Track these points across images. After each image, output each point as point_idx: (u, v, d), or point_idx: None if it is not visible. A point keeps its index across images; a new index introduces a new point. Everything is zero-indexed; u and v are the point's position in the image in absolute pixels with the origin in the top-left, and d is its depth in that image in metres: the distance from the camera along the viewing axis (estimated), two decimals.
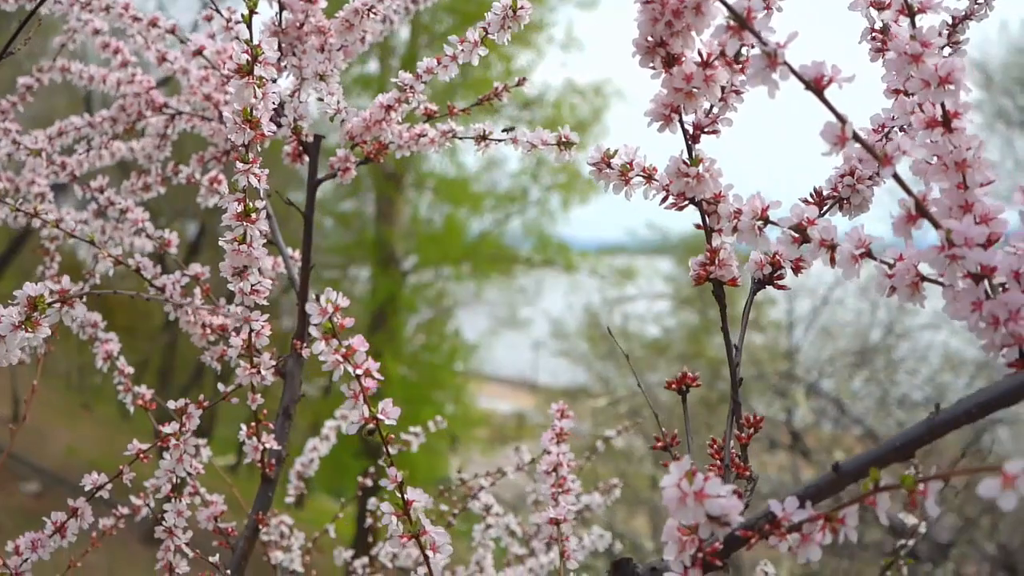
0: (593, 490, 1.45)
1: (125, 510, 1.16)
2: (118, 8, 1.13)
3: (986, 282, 0.54)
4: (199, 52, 1.06)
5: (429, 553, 0.66)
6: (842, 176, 0.70)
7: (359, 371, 0.64)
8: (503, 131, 1.00)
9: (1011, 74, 9.78)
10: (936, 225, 0.53)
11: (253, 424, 0.99)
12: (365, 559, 1.42)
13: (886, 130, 0.70)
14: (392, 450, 0.67)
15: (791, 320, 7.73)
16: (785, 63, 0.51)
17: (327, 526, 1.40)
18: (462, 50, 0.93)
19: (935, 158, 0.56)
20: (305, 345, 0.99)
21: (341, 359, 0.63)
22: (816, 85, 0.52)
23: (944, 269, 0.53)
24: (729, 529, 0.53)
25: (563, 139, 0.85)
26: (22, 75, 1.36)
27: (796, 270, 0.69)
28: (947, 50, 0.74)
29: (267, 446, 1.00)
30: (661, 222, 10.87)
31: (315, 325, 0.63)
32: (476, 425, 11.66)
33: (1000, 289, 0.53)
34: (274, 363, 0.93)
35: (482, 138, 0.99)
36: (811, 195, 0.71)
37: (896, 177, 0.53)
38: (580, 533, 1.40)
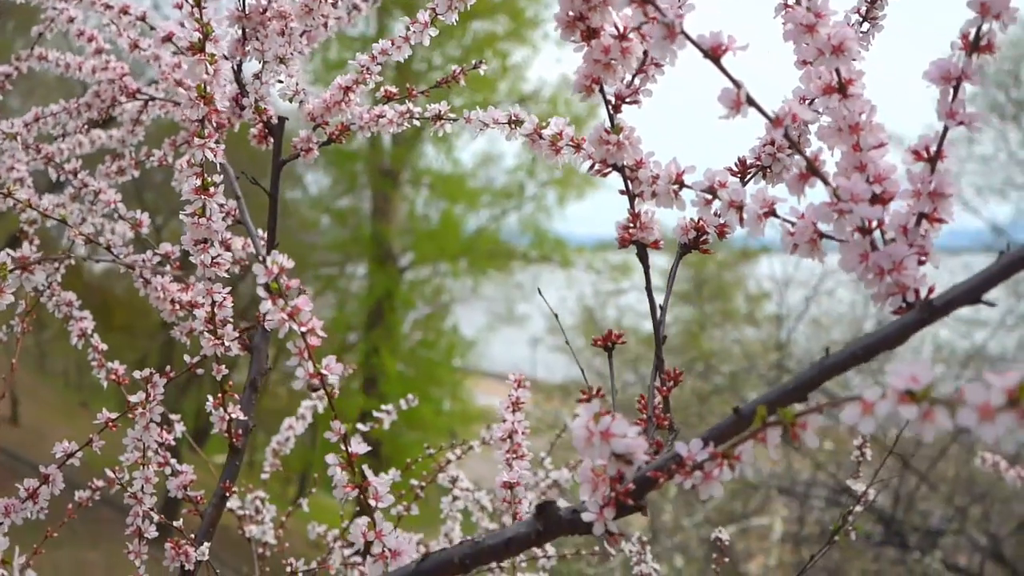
0: (563, 466, 1.49)
1: (100, 483, 1.20)
2: None
3: (878, 235, 0.58)
4: (168, 39, 1.10)
5: (372, 502, 0.70)
6: (764, 145, 0.74)
7: (304, 329, 0.68)
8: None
9: (1004, 67, 9.81)
10: (826, 183, 0.57)
11: (220, 395, 1.03)
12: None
13: (807, 101, 0.74)
14: (329, 404, 0.71)
15: (780, 313, 7.77)
16: (683, 33, 0.55)
17: (301, 500, 1.44)
18: (414, 31, 0.97)
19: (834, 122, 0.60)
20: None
21: (287, 317, 0.67)
22: (713, 53, 0.56)
23: (834, 223, 0.56)
24: (634, 467, 0.57)
25: (513, 118, 0.89)
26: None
27: (721, 235, 0.73)
28: (865, 25, 0.78)
29: (233, 416, 1.04)
30: (657, 218, 10.89)
31: (261, 285, 0.66)
32: (474, 421, 11.70)
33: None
34: (237, 334, 0.97)
35: (437, 117, 1.03)
36: (735, 164, 0.75)
37: (788, 138, 0.56)
38: None
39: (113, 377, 1.13)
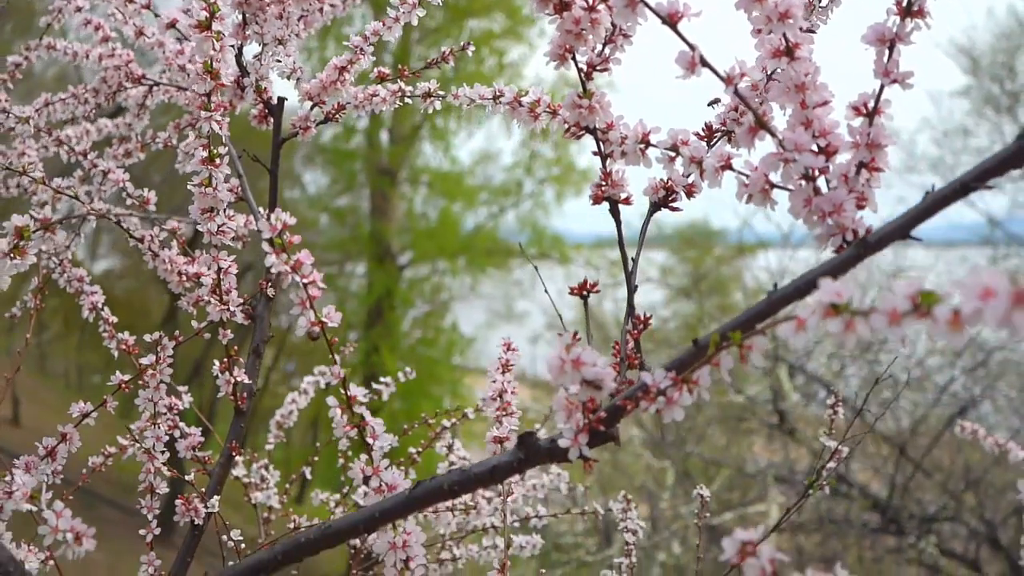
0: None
1: (113, 449, 1.26)
2: None
3: (823, 183, 0.64)
4: (172, 25, 1.16)
5: (370, 440, 0.76)
6: (729, 111, 0.80)
7: (306, 280, 0.74)
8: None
9: (998, 60, 9.86)
10: (773, 135, 0.63)
11: (225, 360, 1.09)
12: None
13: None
14: (335, 354, 0.77)
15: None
16: (642, 1, 0.61)
17: (303, 469, 1.51)
18: (403, 11, 1.03)
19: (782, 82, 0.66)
20: (271, 285, 1.09)
21: (290, 270, 0.73)
22: (671, 19, 0.62)
23: (781, 172, 0.63)
24: (603, 393, 0.63)
25: (497, 94, 0.95)
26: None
27: (688, 194, 0.79)
28: (825, 0, 0.84)
29: (239, 380, 1.10)
30: (655, 214, 10.95)
31: (266, 240, 0.73)
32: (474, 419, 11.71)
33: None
34: (241, 300, 1.03)
35: (427, 95, 1.09)
36: (702, 128, 0.81)
37: (738, 95, 0.63)
38: (540, 477, 1.50)
39: (124, 347, 1.20)
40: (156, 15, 1.20)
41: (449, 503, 1.28)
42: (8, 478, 0.78)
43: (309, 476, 1.50)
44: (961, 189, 0.57)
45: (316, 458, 1.57)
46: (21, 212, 0.84)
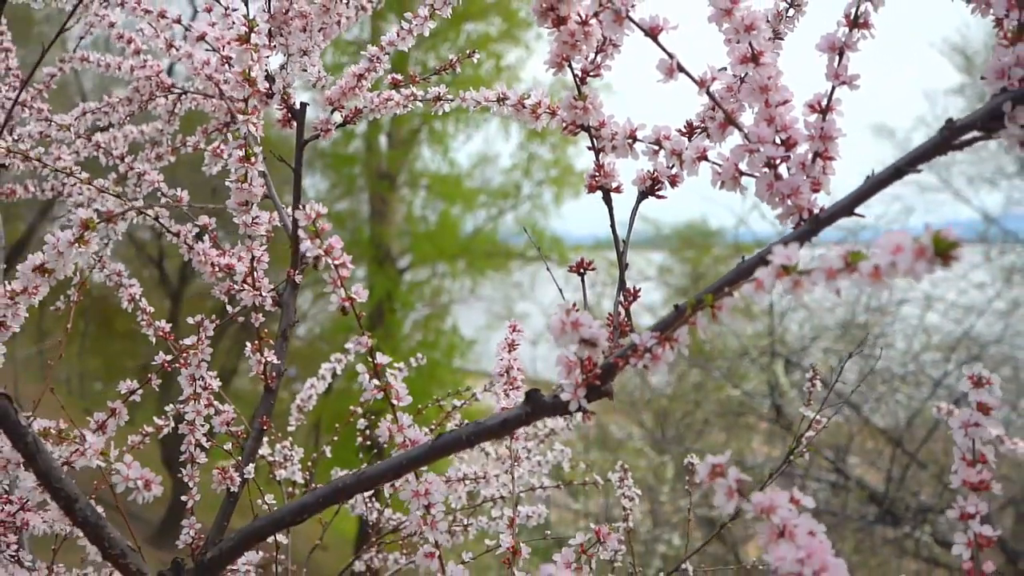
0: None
1: (150, 428, 1.36)
2: (131, 2, 1.34)
3: (784, 170, 0.75)
4: (202, 37, 1.27)
5: (394, 401, 0.87)
6: (706, 110, 0.91)
7: (337, 262, 0.85)
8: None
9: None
10: (740, 129, 0.74)
11: (257, 342, 1.20)
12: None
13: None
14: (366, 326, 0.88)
15: (771, 299, 7.93)
16: (628, 17, 0.72)
17: (324, 448, 1.61)
18: (416, 24, 1.14)
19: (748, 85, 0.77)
20: (298, 273, 1.20)
21: (323, 253, 0.84)
22: (652, 32, 0.73)
23: (748, 161, 0.74)
24: (599, 350, 0.73)
25: (501, 96, 1.06)
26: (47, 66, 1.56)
27: (672, 183, 0.90)
28: (791, 10, 0.95)
29: (269, 360, 1.21)
30: (653, 215, 11.10)
31: (302, 227, 0.83)
32: (476, 418, 11.80)
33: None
34: (272, 287, 1.14)
35: (437, 98, 1.20)
36: (684, 125, 0.92)
37: (711, 96, 0.73)
38: (545, 455, 1.61)
39: (161, 334, 1.31)
40: (187, 29, 1.31)
41: (462, 475, 1.39)
42: (79, 437, 0.89)
43: (329, 455, 1.61)
44: (896, 173, 0.68)
45: (336, 438, 1.68)
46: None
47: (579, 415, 0.80)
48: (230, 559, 0.86)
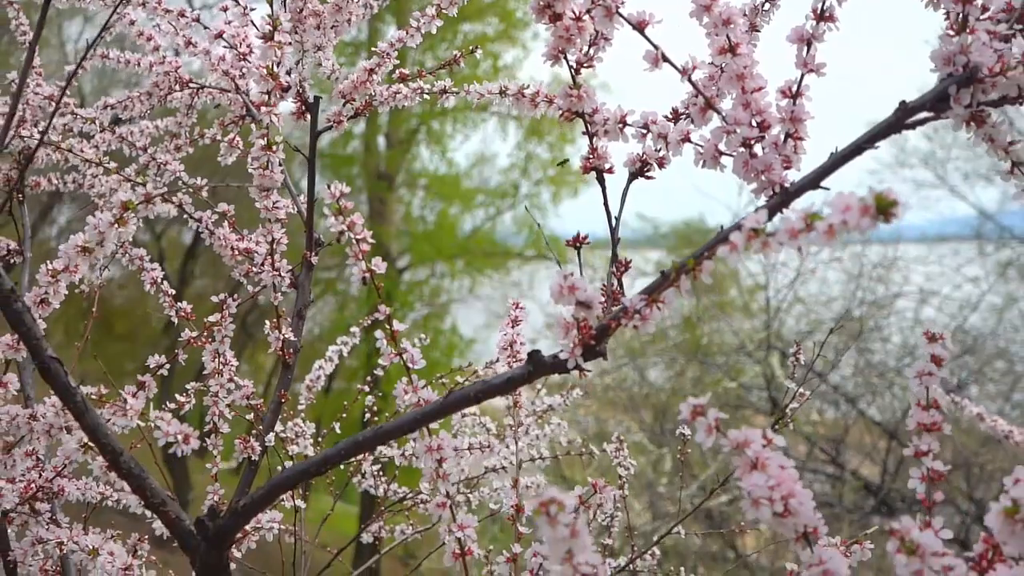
0: (556, 394, 1.74)
1: (173, 405, 1.45)
2: (152, 3, 1.42)
3: (759, 150, 0.84)
4: (219, 35, 1.35)
5: (410, 365, 0.96)
6: (690, 96, 0.99)
7: (358, 237, 0.93)
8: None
9: None
10: (719, 113, 0.82)
11: (275, 320, 1.28)
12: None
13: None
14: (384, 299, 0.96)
15: (767, 293, 8.03)
16: (618, 12, 0.81)
17: (333, 424, 1.70)
18: (423, 22, 1.23)
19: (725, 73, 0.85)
20: (314, 255, 1.29)
21: (346, 228, 0.93)
22: (640, 26, 0.82)
23: (726, 141, 0.82)
24: (593, 312, 0.82)
25: (503, 89, 1.14)
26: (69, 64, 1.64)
27: (660, 165, 0.98)
28: (767, 5, 1.03)
29: (286, 337, 1.29)
30: (651, 214, 11.19)
31: (327, 205, 0.92)
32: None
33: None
34: (291, 268, 1.22)
35: (443, 91, 1.28)
36: (671, 111, 1.00)
37: (692, 83, 0.82)
38: (543, 428, 1.70)
39: (183, 314, 1.39)
40: (205, 28, 1.39)
41: (467, 444, 1.47)
42: (120, 400, 0.97)
43: (339, 431, 1.69)
44: (856, 149, 0.76)
45: (344, 415, 1.76)
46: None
47: (576, 392, 0.88)
48: (261, 506, 0.95)
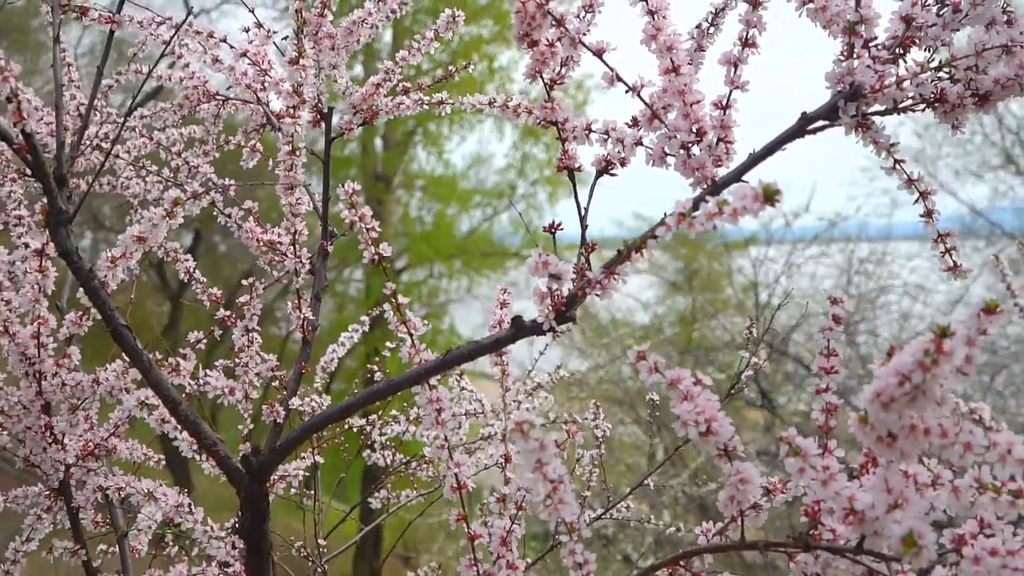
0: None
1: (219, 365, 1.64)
2: (184, 25, 1.62)
3: (697, 151, 1.04)
4: (244, 54, 1.55)
5: (412, 331, 1.15)
6: (643, 109, 1.19)
7: (368, 226, 1.13)
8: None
9: None
10: (662, 122, 1.02)
11: (296, 300, 1.48)
12: None
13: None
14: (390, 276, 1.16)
15: (756, 283, 8.23)
16: (580, 42, 1.00)
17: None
18: (424, 44, 1.43)
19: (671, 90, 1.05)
20: (329, 244, 1.48)
21: (357, 219, 1.13)
22: (598, 52, 1.01)
23: (668, 144, 1.02)
24: (564, 283, 1.02)
25: (492, 100, 1.34)
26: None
27: (622, 164, 1.18)
28: (711, 29, 1.23)
29: (307, 316, 1.49)
30: (648, 213, 11.39)
31: (341, 200, 1.12)
32: (475, 417, 12.04)
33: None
34: (311, 255, 1.42)
35: (441, 102, 1.48)
36: (631, 119, 1.20)
37: (640, 97, 1.02)
38: (531, 401, 1.89)
39: (214, 299, 1.59)
40: (231, 47, 1.59)
41: (463, 410, 1.67)
42: (174, 362, 1.17)
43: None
44: (768, 151, 0.96)
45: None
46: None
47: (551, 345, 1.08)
48: (294, 446, 1.14)
